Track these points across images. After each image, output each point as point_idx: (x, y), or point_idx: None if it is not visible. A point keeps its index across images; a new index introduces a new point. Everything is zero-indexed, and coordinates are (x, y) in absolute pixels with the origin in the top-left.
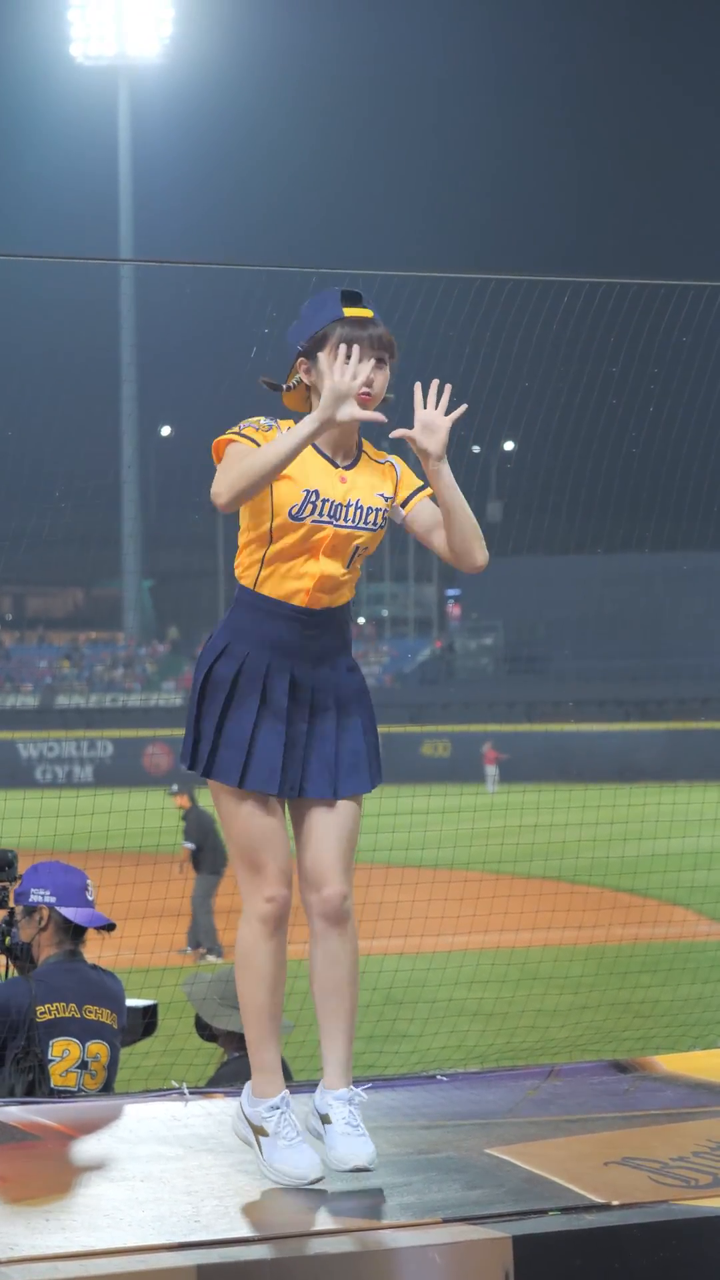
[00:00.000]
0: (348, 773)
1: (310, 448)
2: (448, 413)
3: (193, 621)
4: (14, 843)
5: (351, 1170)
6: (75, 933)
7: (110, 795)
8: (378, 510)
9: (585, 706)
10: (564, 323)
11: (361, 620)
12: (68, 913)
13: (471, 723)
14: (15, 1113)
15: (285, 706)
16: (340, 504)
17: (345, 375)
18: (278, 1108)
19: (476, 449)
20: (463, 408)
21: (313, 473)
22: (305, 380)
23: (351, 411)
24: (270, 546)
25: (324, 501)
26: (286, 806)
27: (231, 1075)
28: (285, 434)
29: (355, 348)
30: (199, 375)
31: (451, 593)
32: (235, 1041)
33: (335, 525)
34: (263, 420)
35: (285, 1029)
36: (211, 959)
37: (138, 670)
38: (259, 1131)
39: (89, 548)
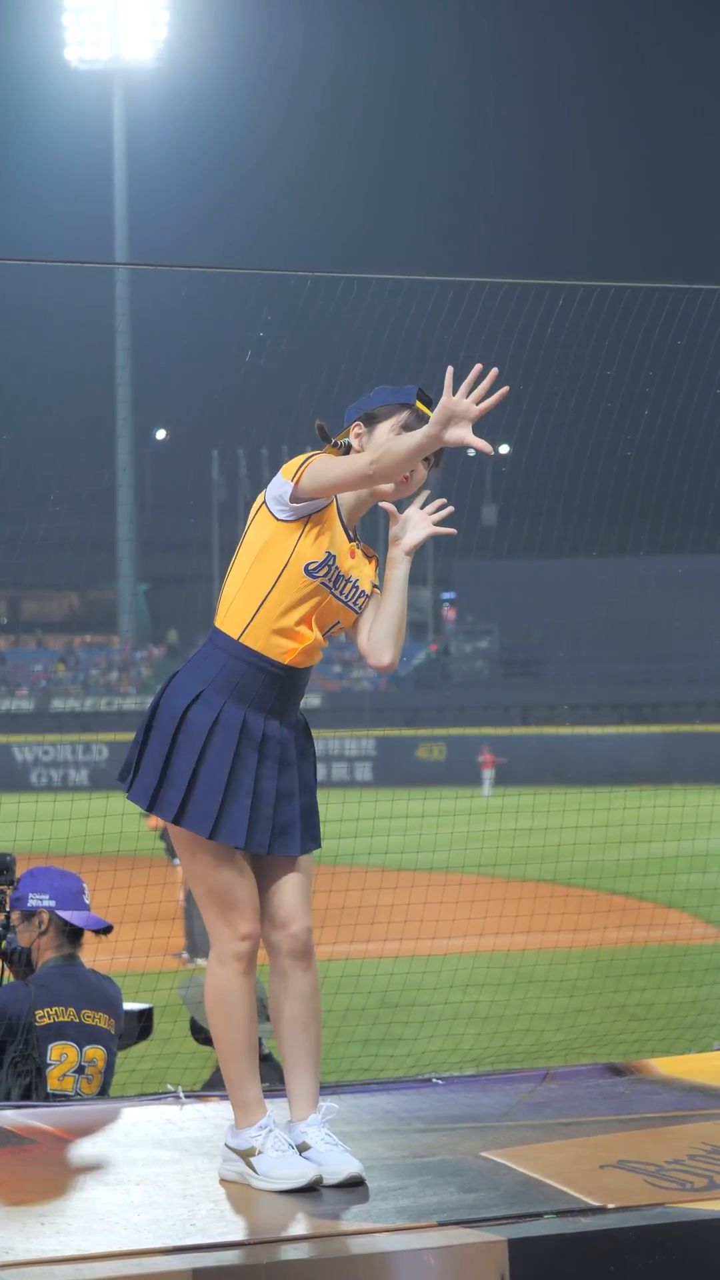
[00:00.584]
0: (306, 829)
1: (335, 511)
2: (437, 521)
3: (188, 625)
4: (9, 846)
5: (345, 1180)
6: (74, 936)
7: (106, 799)
8: (366, 596)
9: (580, 710)
10: (559, 326)
11: None
12: (68, 916)
13: (467, 726)
14: (11, 1116)
15: (255, 764)
16: (344, 576)
17: (461, 396)
18: (265, 1127)
19: (472, 452)
20: (447, 511)
21: (337, 535)
22: (355, 445)
23: (461, 435)
24: (267, 597)
25: (335, 569)
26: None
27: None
28: (415, 434)
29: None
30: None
31: (447, 596)
32: None
33: (333, 594)
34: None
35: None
36: (202, 962)
37: (133, 674)
38: (249, 1154)
39: (84, 551)
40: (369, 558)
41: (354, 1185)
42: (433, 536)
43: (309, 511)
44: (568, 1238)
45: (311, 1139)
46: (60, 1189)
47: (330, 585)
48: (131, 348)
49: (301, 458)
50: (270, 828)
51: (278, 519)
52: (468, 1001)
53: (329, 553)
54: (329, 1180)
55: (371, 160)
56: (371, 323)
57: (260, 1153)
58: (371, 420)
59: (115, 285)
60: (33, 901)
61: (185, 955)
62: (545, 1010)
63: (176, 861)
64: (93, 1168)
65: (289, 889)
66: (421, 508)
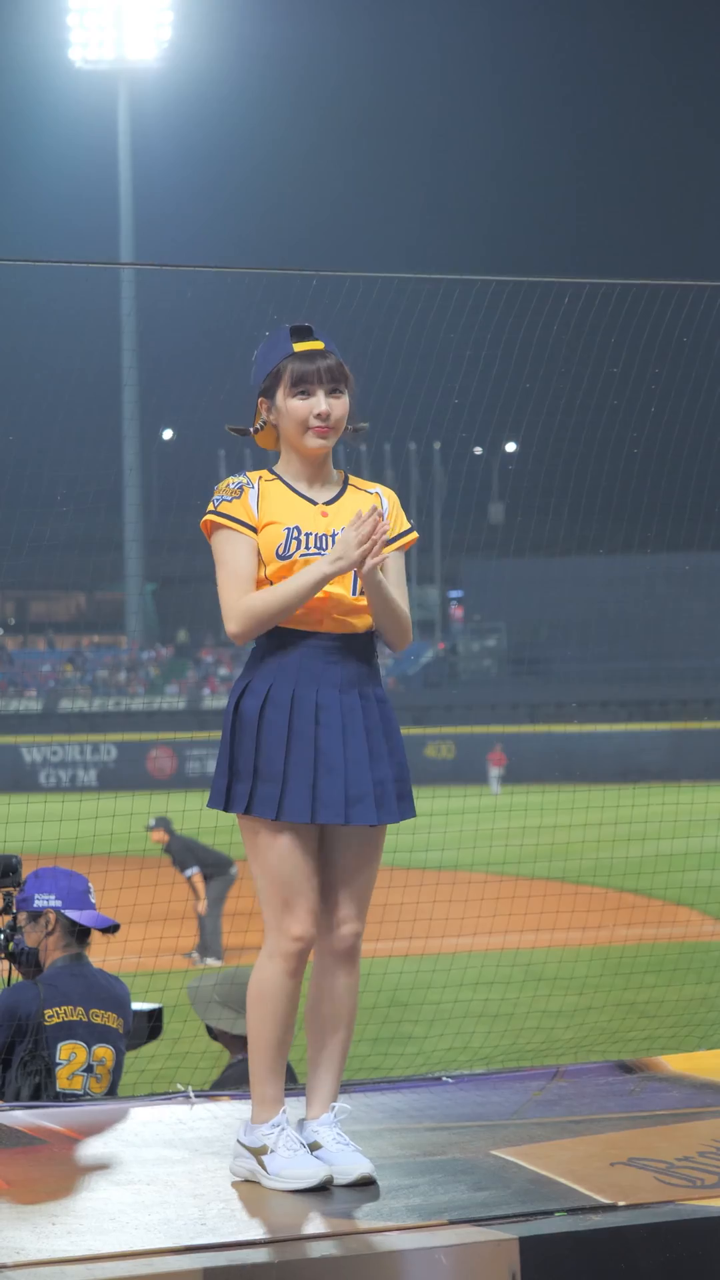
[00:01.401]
0: (380, 801)
1: (287, 489)
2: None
3: (196, 625)
4: (18, 847)
5: (356, 1180)
6: (81, 936)
7: (114, 799)
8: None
9: (588, 708)
10: (565, 324)
11: None
12: (74, 915)
13: (475, 724)
14: (21, 1117)
15: (313, 734)
16: (324, 535)
17: (353, 544)
18: (278, 1125)
19: (479, 450)
20: (380, 545)
21: (292, 512)
22: (270, 419)
23: (370, 565)
24: (272, 586)
25: (307, 535)
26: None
27: (237, 1078)
28: (301, 574)
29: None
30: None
31: (454, 594)
32: (239, 1044)
33: (322, 554)
34: (233, 484)
35: None
36: (212, 962)
37: (141, 674)
38: (260, 1152)
39: (91, 552)
40: (369, 494)
41: (365, 1185)
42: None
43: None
44: (579, 1235)
45: (323, 1138)
46: (71, 1189)
47: (315, 549)
48: (137, 348)
49: (209, 521)
50: (343, 797)
51: None
52: (477, 1000)
53: (287, 529)
54: (340, 1180)
55: (377, 159)
56: (377, 322)
57: (272, 1151)
58: (269, 391)
59: (120, 285)
60: (39, 902)
61: (195, 955)
62: (555, 1008)
63: (188, 873)
64: (103, 1167)
65: (348, 890)
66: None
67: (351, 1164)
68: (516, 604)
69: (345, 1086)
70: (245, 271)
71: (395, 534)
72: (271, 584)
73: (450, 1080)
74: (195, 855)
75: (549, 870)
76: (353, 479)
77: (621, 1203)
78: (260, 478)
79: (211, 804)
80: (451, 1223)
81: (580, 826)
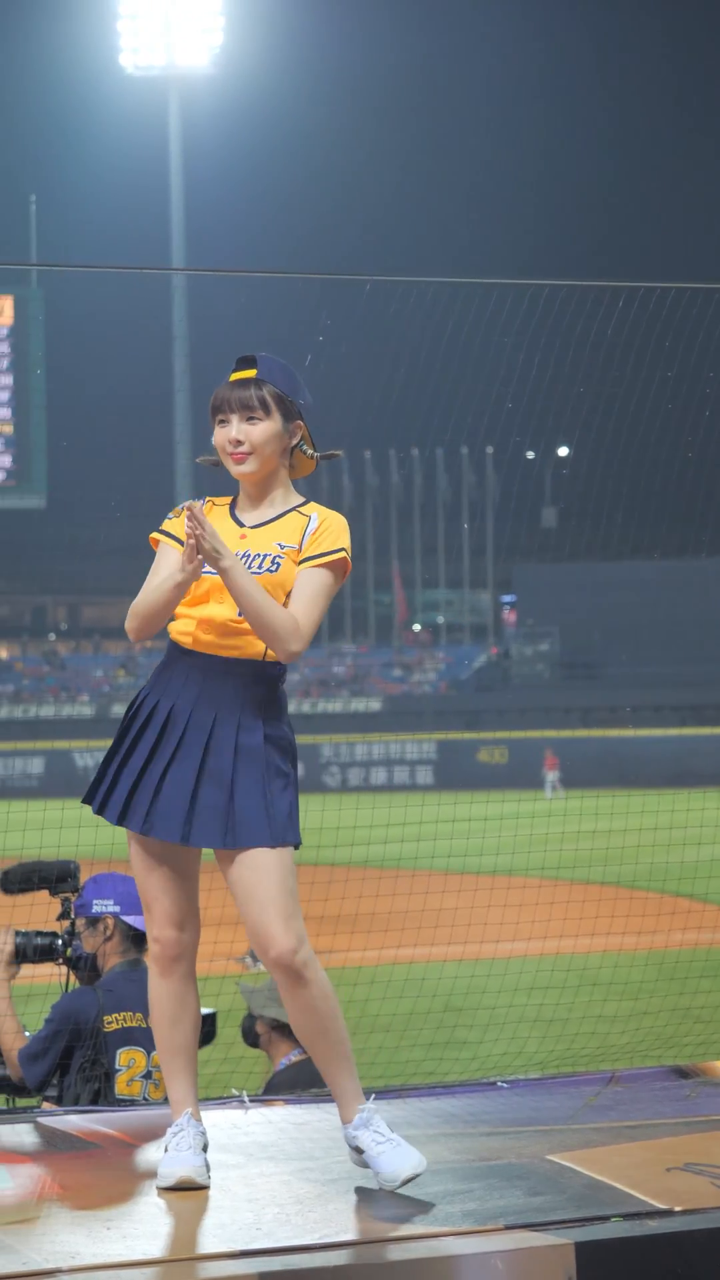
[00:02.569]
0: (242, 824)
1: (226, 512)
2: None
3: None
4: (72, 852)
5: (405, 1182)
6: (139, 941)
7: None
8: (268, 556)
9: (642, 712)
10: (618, 328)
11: (417, 627)
12: (133, 921)
13: (528, 729)
14: (76, 1121)
15: (152, 743)
16: (238, 555)
17: (183, 560)
18: (179, 1128)
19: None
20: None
21: (219, 530)
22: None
23: (191, 570)
24: (187, 599)
25: None
26: (213, 858)
27: (288, 1083)
28: (173, 569)
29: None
30: None
31: (507, 599)
32: (282, 1047)
33: (214, 575)
34: (180, 505)
35: None
36: (264, 967)
37: None
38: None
39: (144, 558)
40: (301, 515)
41: (416, 1178)
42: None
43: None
44: (634, 1240)
45: (363, 1142)
46: (126, 1193)
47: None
48: (189, 354)
49: (151, 537)
50: (146, 809)
51: None
52: (532, 1005)
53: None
54: (388, 1187)
55: (430, 163)
56: (430, 326)
57: (165, 1150)
58: (211, 419)
59: (173, 292)
60: (97, 907)
61: (248, 959)
62: (609, 1013)
63: None
64: (158, 1172)
65: (259, 908)
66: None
67: (394, 1166)
68: (569, 608)
69: (399, 1091)
70: (298, 277)
71: (313, 553)
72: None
73: (505, 1085)
74: None
75: (603, 875)
76: (306, 507)
77: (677, 1208)
78: (212, 502)
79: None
80: (507, 1228)
81: (634, 831)
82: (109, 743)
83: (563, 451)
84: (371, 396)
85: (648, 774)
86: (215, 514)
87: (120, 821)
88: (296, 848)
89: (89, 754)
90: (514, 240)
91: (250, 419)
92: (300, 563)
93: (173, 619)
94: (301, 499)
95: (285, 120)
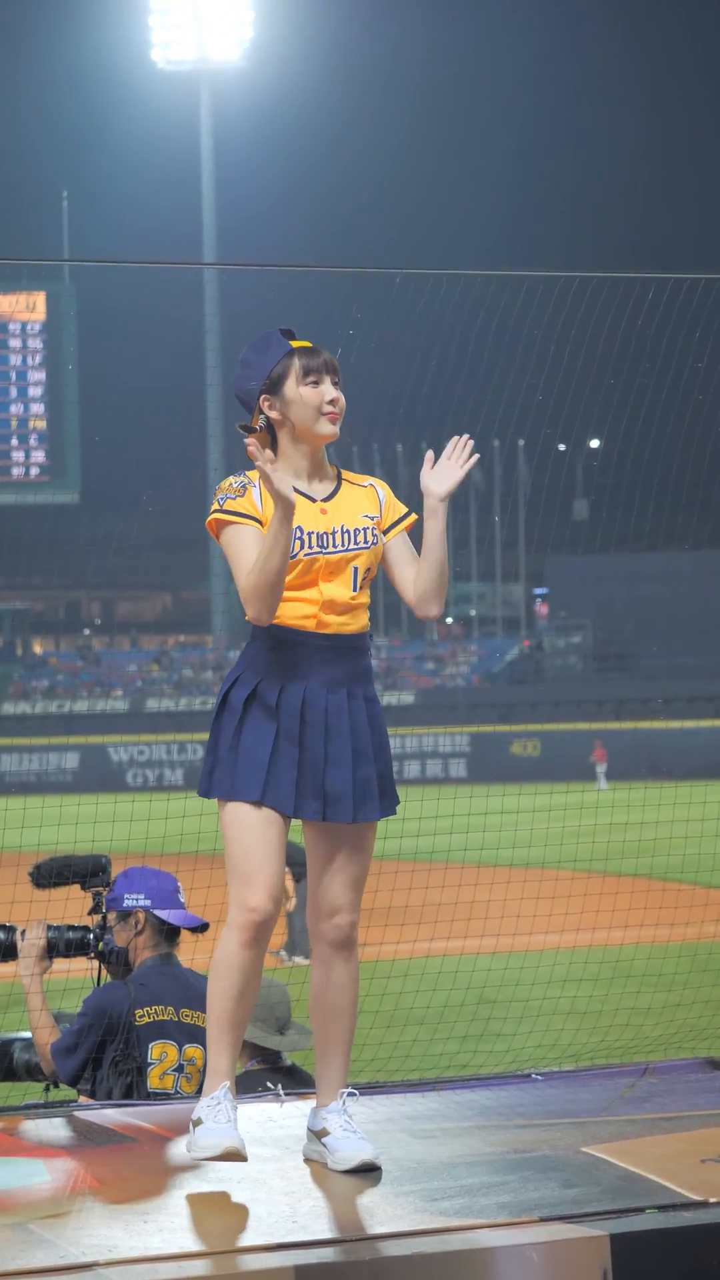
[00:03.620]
0: (362, 800)
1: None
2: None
3: None
4: (105, 846)
5: (357, 1167)
6: (170, 935)
7: (201, 798)
8: (365, 530)
9: (675, 703)
10: (649, 319)
11: (450, 620)
12: (164, 915)
13: (561, 721)
14: (112, 1115)
15: (298, 730)
16: (325, 533)
17: (276, 479)
18: (216, 1100)
19: (562, 447)
20: (475, 458)
21: (296, 508)
22: (271, 416)
23: (283, 488)
24: None
25: (310, 534)
26: (302, 829)
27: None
28: (270, 532)
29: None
30: None
31: (539, 591)
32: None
33: (326, 554)
34: (235, 483)
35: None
36: (299, 960)
37: (227, 673)
38: (195, 1123)
39: (177, 552)
40: (361, 487)
41: (368, 1171)
42: (465, 471)
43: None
44: (670, 1232)
45: (331, 1125)
46: (162, 1187)
47: (318, 548)
48: (221, 348)
49: (213, 501)
50: (321, 794)
51: None
52: (565, 997)
53: (294, 530)
54: (339, 1167)
55: (461, 156)
56: (461, 319)
57: (201, 1123)
58: (274, 386)
59: (204, 286)
60: (128, 901)
61: (283, 953)
62: (643, 1005)
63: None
64: (194, 1166)
65: (340, 880)
66: (445, 456)
67: (353, 1151)
68: (602, 600)
69: (434, 1084)
70: (328, 271)
71: (394, 520)
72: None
73: (540, 1077)
74: (286, 855)
75: (636, 867)
76: (345, 474)
77: (713, 1199)
78: (262, 481)
79: (199, 792)
80: (542, 1220)
81: (667, 823)
82: (143, 738)
83: (594, 443)
84: (402, 389)
85: (681, 766)
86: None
87: (295, 812)
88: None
89: (123, 748)
90: (545, 232)
91: (337, 383)
92: (390, 528)
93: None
94: (335, 467)
95: (316, 114)
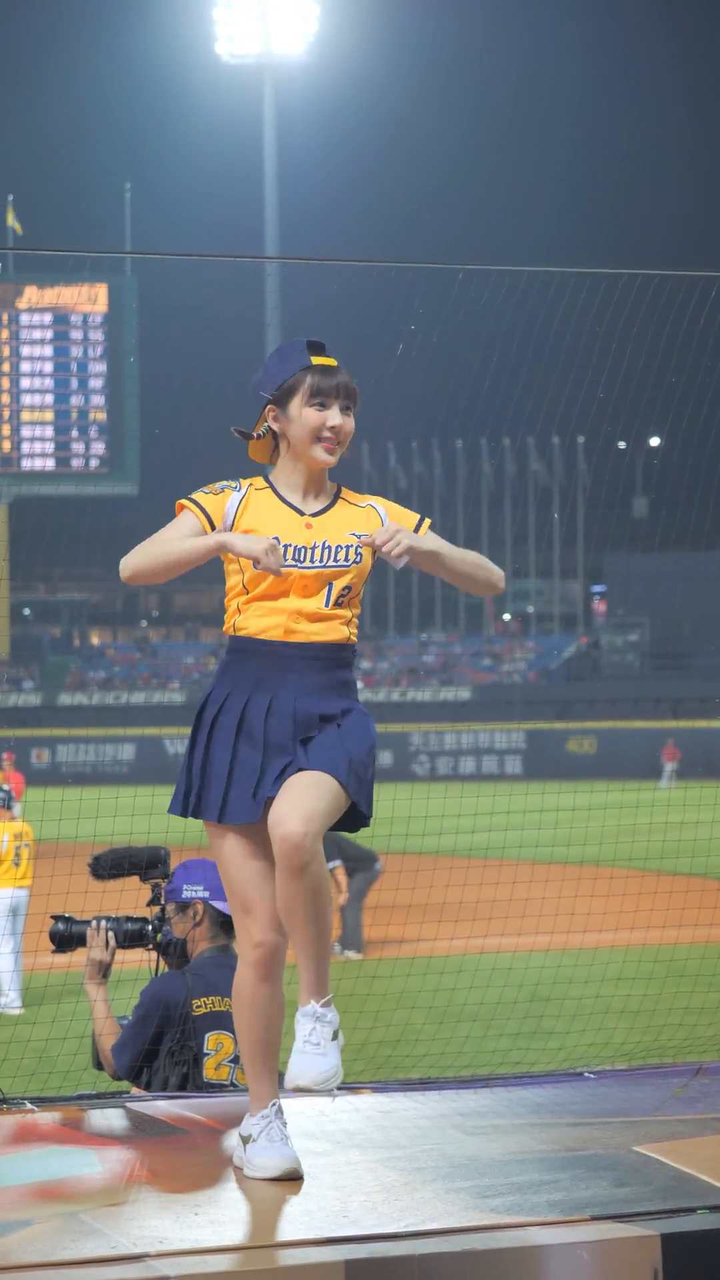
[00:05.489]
0: (317, 752)
1: (276, 499)
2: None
3: None
4: (161, 838)
5: (295, 1091)
6: (228, 927)
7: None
8: (349, 548)
9: None
10: (711, 317)
11: (507, 617)
12: (222, 907)
13: (617, 719)
14: (164, 1107)
15: (261, 735)
16: (305, 547)
17: (271, 558)
18: (266, 1118)
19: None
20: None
21: (276, 522)
22: (274, 427)
23: (269, 564)
24: (247, 595)
25: (287, 547)
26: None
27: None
28: (200, 538)
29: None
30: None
31: (597, 589)
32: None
33: (301, 568)
34: (218, 485)
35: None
36: (351, 954)
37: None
38: (246, 1141)
39: None
40: (360, 508)
41: (306, 1093)
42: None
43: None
44: None
45: (299, 1031)
46: (214, 1179)
47: (293, 561)
48: (281, 341)
49: (178, 504)
50: (278, 780)
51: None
52: (619, 995)
53: (270, 540)
54: (286, 1087)
55: (523, 150)
56: (523, 315)
57: (253, 1141)
58: (282, 399)
59: (266, 280)
60: (187, 893)
61: (336, 947)
62: (697, 1004)
63: (330, 866)
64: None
65: (283, 797)
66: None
67: (299, 1069)
68: (659, 598)
69: (486, 1080)
70: (391, 265)
71: (412, 527)
72: (246, 588)
73: (592, 1076)
74: (339, 848)
75: (690, 866)
76: (345, 492)
77: None
78: (252, 485)
79: (170, 810)
80: (593, 1218)
81: None
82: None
83: (654, 441)
84: (463, 385)
85: None
86: (261, 498)
87: (257, 818)
88: (365, 822)
89: (179, 740)
90: (609, 229)
91: (346, 409)
92: (415, 530)
93: (241, 614)
94: (335, 485)
95: (379, 108)
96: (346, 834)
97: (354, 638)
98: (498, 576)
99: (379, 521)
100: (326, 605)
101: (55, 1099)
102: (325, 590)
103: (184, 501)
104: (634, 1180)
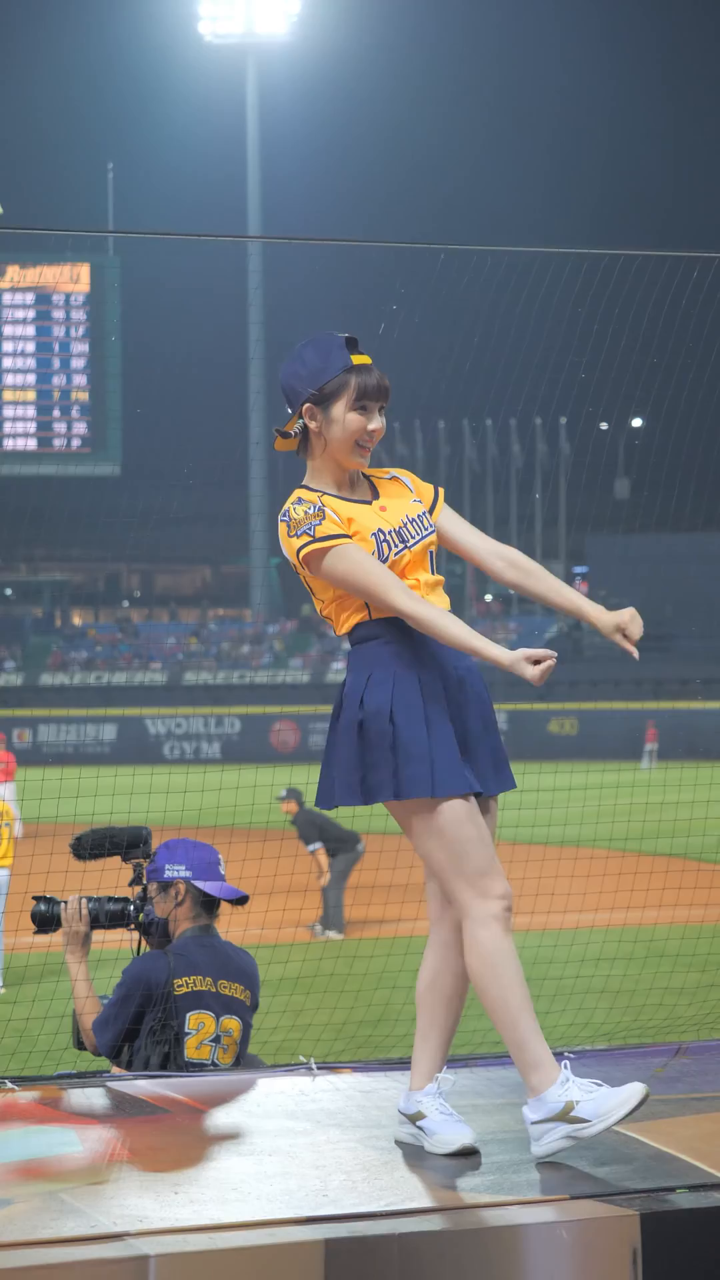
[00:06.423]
0: (502, 767)
1: (341, 500)
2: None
3: None
4: (143, 818)
5: (457, 1151)
6: (210, 907)
7: (238, 771)
8: (422, 515)
9: (713, 684)
10: (693, 298)
11: (488, 598)
12: (204, 886)
13: (599, 700)
14: (145, 1086)
15: (445, 706)
16: (397, 529)
17: (529, 667)
18: (565, 1081)
19: (605, 425)
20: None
21: (365, 518)
22: (312, 426)
23: (535, 676)
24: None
25: (391, 533)
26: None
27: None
28: (475, 635)
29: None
30: None
31: (579, 570)
32: None
33: (409, 547)
34: (309, 509)
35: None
36: (333, 935)
37: (265, 647)
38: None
39: (217, 525)
40: (387, 480)
41: (468, 1155)
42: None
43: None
44: (700, 1212)
45: (427, 1108)
46: (194, 1158)
47: (401, 544)
48: (264, 322)
49: (295, 536)
50: (481, 768)
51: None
52: (599, 976)
53: (374, 534)
54: (438, 1150)
55: (505, 131)
56: (504, 296)
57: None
58: (324, 400)
59: (248, 260)
60: (169, 873)
61: (317, 927)
62: (677, 985)
63: (311, 848)
64: (225, 1138)
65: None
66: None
67: (454, 1134)
68: (641, 579)
69: (466, 1060)
70: (372, 245)
71: (433, 501)
72: (369, 608)
73: (572, 1056)
74: (320, 830)
75: (670, 847)
76: (366, 471)
77: None
78: (320, 497)
79: (343, 801)
80: (573, 1198)
81: (703, 804)
82: (181, 711)
83: (636, 422)
84: (445, 366)
85: (719, 747)
86: (333, 504)
87: (470, 787)
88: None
89: (160, 721)
90: (591, 209)
91: (382, 409)
92: (433, 507)
93: (376, 609)
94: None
95: (362, 88)
96: (328, 814)
97: None
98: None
99: (407, 490)
100: (432, 572)
101: (36, 1078)
102: (429, 559)
103: (319, 546)
104: (613, 1160)
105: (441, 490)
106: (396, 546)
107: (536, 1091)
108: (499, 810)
